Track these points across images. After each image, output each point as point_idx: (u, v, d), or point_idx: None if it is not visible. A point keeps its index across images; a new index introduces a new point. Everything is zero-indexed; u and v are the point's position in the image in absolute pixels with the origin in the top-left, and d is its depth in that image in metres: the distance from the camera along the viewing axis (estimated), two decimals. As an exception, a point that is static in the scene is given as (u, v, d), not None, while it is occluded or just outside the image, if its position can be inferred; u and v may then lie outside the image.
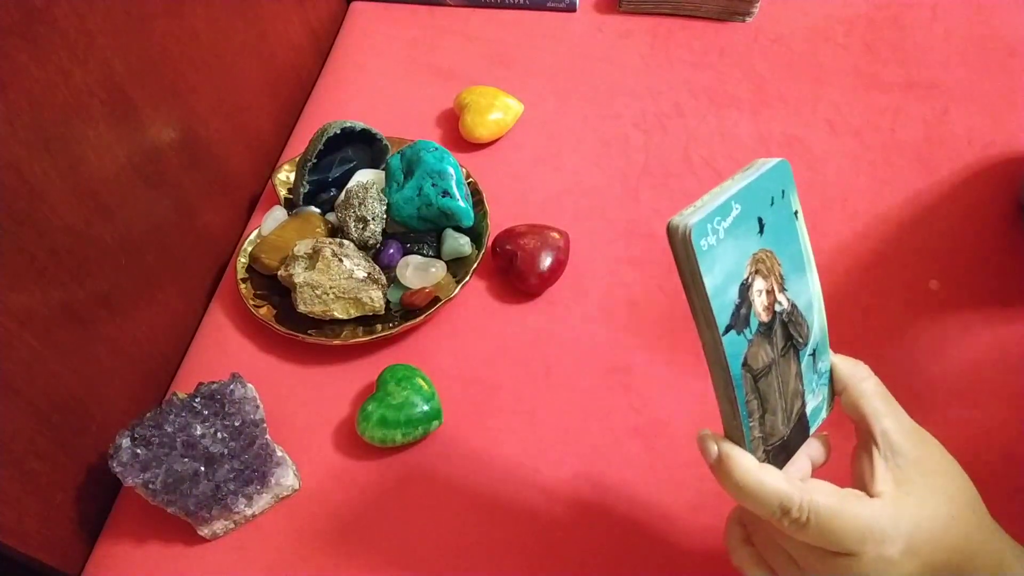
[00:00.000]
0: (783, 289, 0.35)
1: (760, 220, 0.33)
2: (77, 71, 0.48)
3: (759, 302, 0.33)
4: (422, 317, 0.59)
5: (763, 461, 0.35)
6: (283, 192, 0.68)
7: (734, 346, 0.32)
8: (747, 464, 0.34)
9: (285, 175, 0.69)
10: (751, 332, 0.33)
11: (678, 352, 0.58)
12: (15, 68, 0.43)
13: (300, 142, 0.72)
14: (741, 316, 0.32)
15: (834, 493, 0.33)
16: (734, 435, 0.35)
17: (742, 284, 0.32)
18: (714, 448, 0.35)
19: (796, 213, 0.35)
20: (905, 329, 0.59)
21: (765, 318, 0.34)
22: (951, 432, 0.53)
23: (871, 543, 0.32)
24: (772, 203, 0.34)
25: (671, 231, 0.31)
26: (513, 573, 0.49)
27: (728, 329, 0.32)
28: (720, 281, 0.31)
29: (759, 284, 0.33)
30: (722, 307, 0.31)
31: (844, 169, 0.70)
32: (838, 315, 0.59)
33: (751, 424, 0.34)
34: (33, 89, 0.45)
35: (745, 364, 0.33)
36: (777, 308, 0.34)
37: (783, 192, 0.34)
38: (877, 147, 0.71)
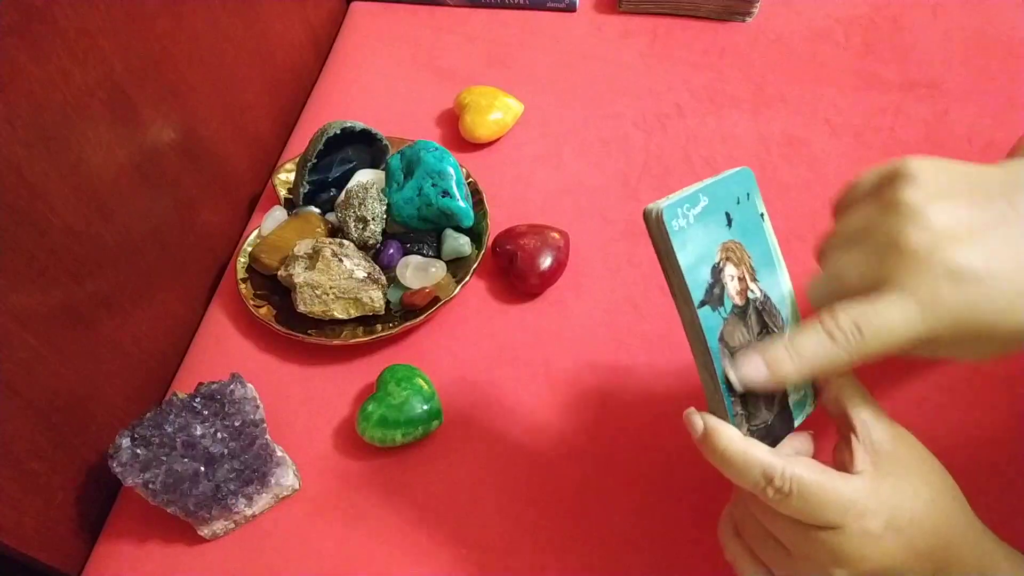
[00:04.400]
0: (755, 279, 0.37)
1: (728, 215, 0.36)
2: (77, 71, 0.48)
3: (732, 286, 0.36)
4: (422, 317, 0.59)
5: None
6: (283, 192, 0.68)
7: (710, 320, 0.35)
8: (731, 434, 0.35)
9: (285, 175, 0.70)
10: (726, 311, 0.36)
11: (678, 352, 0.58)
12: (15, 68, 0.43)
13: (300, 142, 0.72)
14: (715, 294, 0.35)
15: (816, 467, 0.34)
16: (717, 409, 0.36)
17: (714, 266, 0.35)
18: (699, 422, 0.36)
19: (762, 215, 0.38)
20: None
21: (739, 301, 0.36)
22: (950, 432, 0.53)
23: (853, 515, 0.33)
24: (738, 202, 0.37)
25: (647, 214, 0.34)
26: (513, 571, 0.49)
27: (703, 304, 0.35)
28: (693, 260, 0.35)
29: (731, 270, 0.36)
30: (696, 283, 0.35)
31: (844, 169, 0.70)
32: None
33: (732, 399, 0.36)
34: (33, 89, 0.45)
35: (722, 339, 0.35)
36: (750, 295, 0.37)
37: (748, 194, 0.38)
38: (877, 147, 0.71)
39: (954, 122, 0.73)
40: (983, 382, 0.56)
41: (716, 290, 0.35)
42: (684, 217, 0.34)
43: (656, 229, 0.34)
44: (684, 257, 0.34)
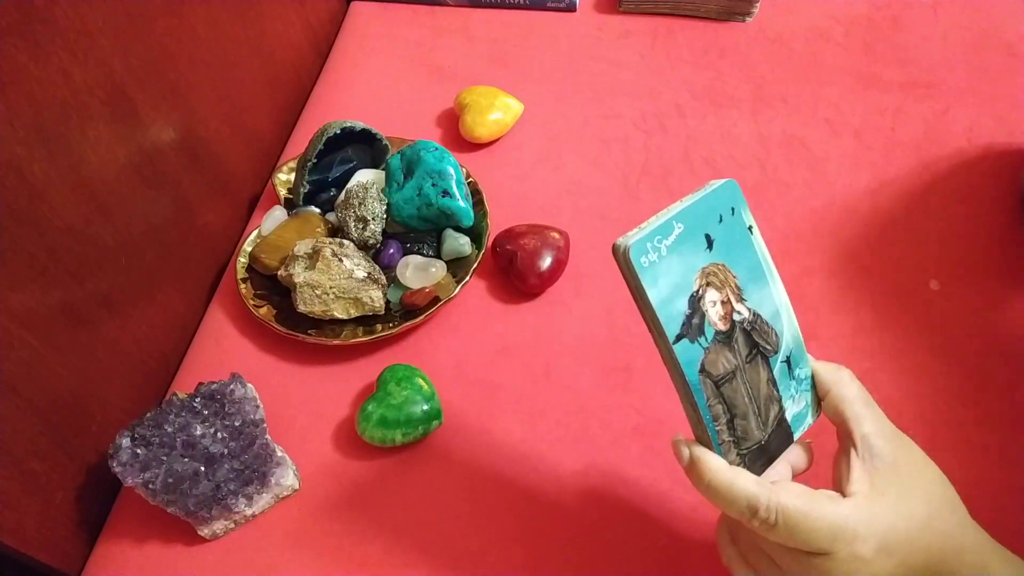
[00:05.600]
0: (741, 299, 0.36)
1: (708, 237, 0.35)
2: (77, 71, 0.48)
3: (713, 312, 0.35)
4: (422, 317, 0.59)
5: (739, 465, 0.36)
6: (283, 192, 0.68)
7: (687, 353, 0.34)
8: (716, 466, 0.35)
9: (285, 175, 0.70)
10: (707, 340, 0.35)
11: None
12: (15, 68, 0.43)
13: (300, 142, 0.72)
14: (693, 326, 0.34)
15: (803, 494, 0.34)
16: (702, 439, 0.36)
17: (692, 296, 0.34)
18: (686, 452, 0.36)
19: (751, 228, 0.37)
20: (905, 329, 0.59)
21: (723, 327, 0.35)
22: (950, 432, 0.53)
23: (842, 542, 0.33)
24: (720, 220, 0.35)
25: (614, 251, 0.33)
26: (513, 572, 0.49)
27: (679, 338, 0.34)
28: (666, 294, 0.33)
29: (712, 295, 0.35)
30: (671, 317, 0.34)
31: (844, 169, 0.70)
32: (837, 315, 0.59)
33: (717, 428, 0.35)
34: (33, 89, 0.45)
35: (703, 371, 0.35)
36: (736, 317, 0.36)
37: (733, 210, 0.36)
38: (877, 147, 0.71)
39: (954, 122, 0.73)
40: (986, 383, 0.56)
41: (695, 320, 0.34)
42: (655, 251, 0.33)
43: (624, 266, 0.33)
44: (656, 293, 0.33)
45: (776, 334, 0.38)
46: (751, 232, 0.37)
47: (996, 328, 0.58)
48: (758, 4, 0.83)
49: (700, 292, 0.35)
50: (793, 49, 0.81)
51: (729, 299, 0.36)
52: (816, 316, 0.59)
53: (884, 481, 0.35)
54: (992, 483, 0.50)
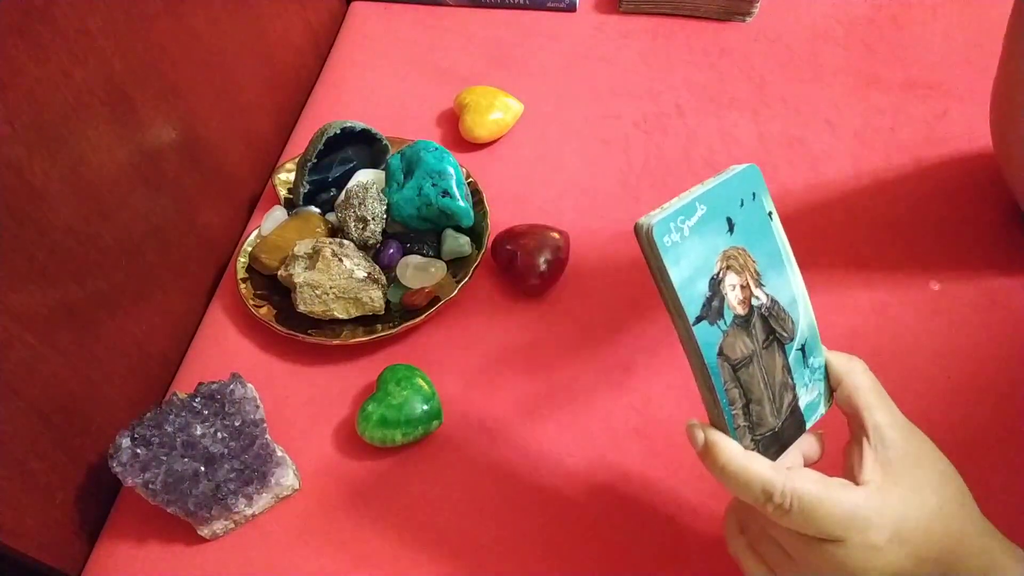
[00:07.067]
0: (760, 284, 0.36)
1: (729, 220, 0.35)
2: (77, 71, 0.48)
3: (733, 296, 0.35)
4: (422, 317, 0.59)
5: (752, 450, 0.36)
6: (283, 192, 0.68)
7: (707, 335, 0.34)
8: (732, 450, 0.35)
9: (285, 175, 0.70)
10: (726, 324, 0.35)
11: (678, 352, 0.58)
12: (15, 68, 0.43)
13: (300, 142, 0.72)
14: (713, 308, 0.34)
15: (818, 480, 0.34)
16: (718, 423, 0.36)
17: (712, 278, 0.34)
18: (700, 435, 0.36)
19: (770, 214, 0.37)
20: (905, 329, 0.59)
21: (741, 311, 0.35)
22: (950, 431, 0.53)
23: (855, 530, 0.33)
24: (742, 205, 0.35)
25: (637, 230, 0.33)
26: (513, 571, 0.49)
27: (699, 320, 0.34)
28: (688, 275, 0.33)
29: (732, 279, 0.35)
30: (691, 299, 0.34)
31: (844, 169, 0.70)
32: (838, 315, 0.59)
33: (734, 412, 0.35)
34: (33, 89, 0.45)
35: (721, 353, 0.35)
36: (754, 302, 0.36)
37: (754, 195, 0.36)
38: (877, 147, 0.71)
39: (954, 122, 0.73)
40: (987, 383, 0.56)
41: (715, 303, 0.34)
42: (678, 231, 0.33)
43: (647, 245, 0.33)
44: (677, 273, 0.33)
45: (792, 321, 0.38)
46: (771, 218, 0.37)
47: (996, 328, 0.58)
48: (758, 4, 0.83)
49: (720, 275, 0.34)
50: (793, 49, 0.81)
51: (748, 283, 0.36)
52: (816, 316, 0.59)
53: (896, 471, 0.35)
54: (994, 482, 0.50)
